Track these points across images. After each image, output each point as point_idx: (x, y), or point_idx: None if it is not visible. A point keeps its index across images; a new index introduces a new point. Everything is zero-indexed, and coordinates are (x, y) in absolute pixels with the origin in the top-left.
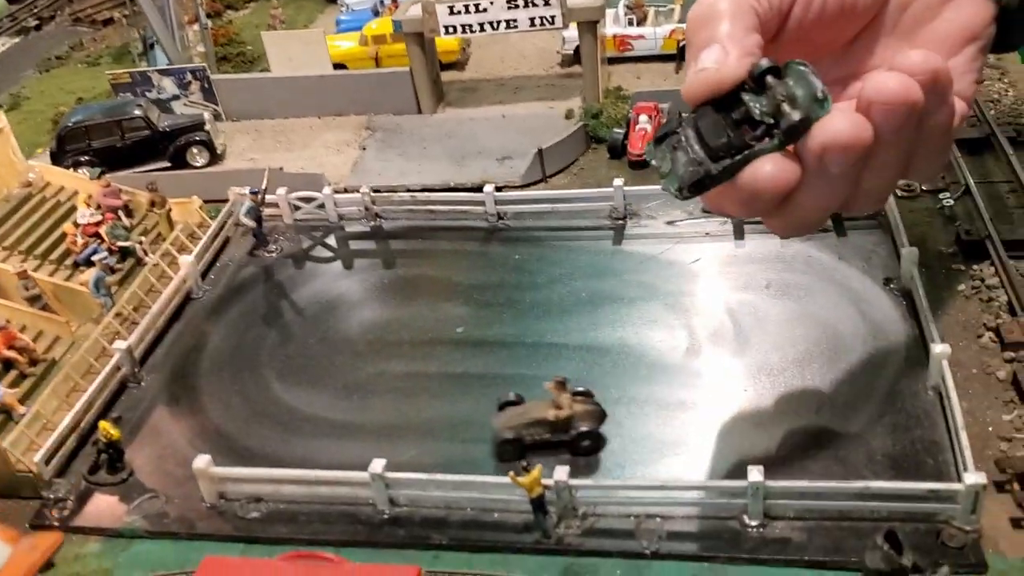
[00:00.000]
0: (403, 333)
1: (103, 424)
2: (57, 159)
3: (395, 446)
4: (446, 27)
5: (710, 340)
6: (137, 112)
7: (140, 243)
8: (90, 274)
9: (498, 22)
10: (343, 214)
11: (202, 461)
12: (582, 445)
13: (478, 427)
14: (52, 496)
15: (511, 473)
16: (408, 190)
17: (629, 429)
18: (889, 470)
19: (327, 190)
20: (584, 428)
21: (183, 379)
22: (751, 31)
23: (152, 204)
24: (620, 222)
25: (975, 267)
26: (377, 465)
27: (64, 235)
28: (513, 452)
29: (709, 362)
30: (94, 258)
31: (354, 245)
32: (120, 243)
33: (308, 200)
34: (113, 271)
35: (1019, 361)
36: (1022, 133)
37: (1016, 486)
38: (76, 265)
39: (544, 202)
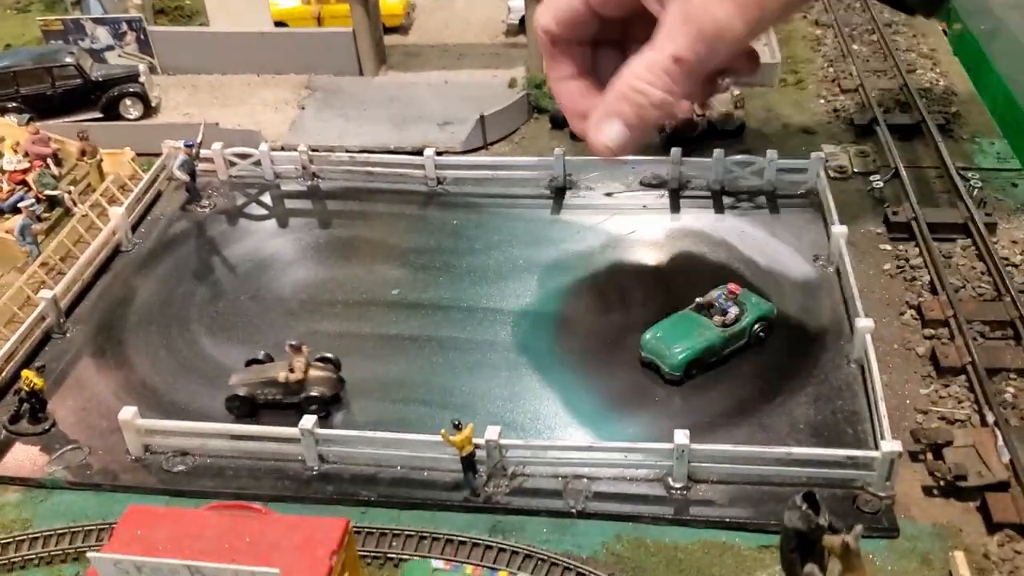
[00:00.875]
0: (337, 293)
1: (26, 373)
2: None
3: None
4: None
5: (642, 309)
6: (69, 60)
7: (69, 193)
8: (15, 221)
9: None
10: (279, 172)
11: (128, 413)
12: (311, 408)
13: (410, 388)
14: None
15: (443, 431)
16: (347, 151)
17: (560, 393)
18: (810, 438)
19: (264, 147)
20: (314, 393)
21: (110, 332)
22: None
23: (83, 153)
24: (559, 191)
25: (901, 247)
26: (308, 421)
27: None
28: (243, 408)
29: (640, 331)
30: (20, 205)
31: (290, 204)
32: (48, 192)
33: (244, 156)
34: (40, 220)
35: (938, 338)
36: (950, 121)
37: (929, 456)
38: (1, 212)
39: (484, 168)
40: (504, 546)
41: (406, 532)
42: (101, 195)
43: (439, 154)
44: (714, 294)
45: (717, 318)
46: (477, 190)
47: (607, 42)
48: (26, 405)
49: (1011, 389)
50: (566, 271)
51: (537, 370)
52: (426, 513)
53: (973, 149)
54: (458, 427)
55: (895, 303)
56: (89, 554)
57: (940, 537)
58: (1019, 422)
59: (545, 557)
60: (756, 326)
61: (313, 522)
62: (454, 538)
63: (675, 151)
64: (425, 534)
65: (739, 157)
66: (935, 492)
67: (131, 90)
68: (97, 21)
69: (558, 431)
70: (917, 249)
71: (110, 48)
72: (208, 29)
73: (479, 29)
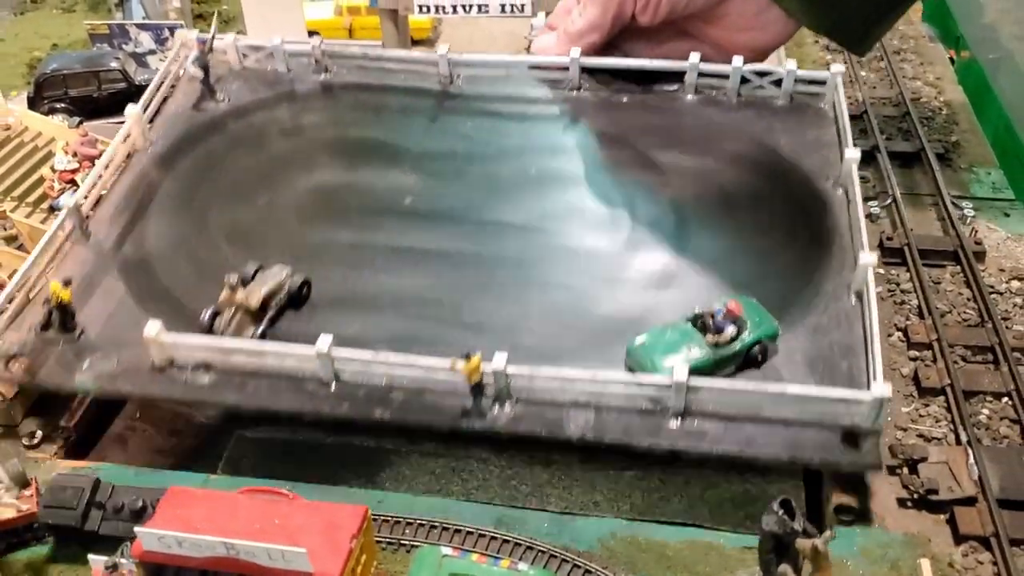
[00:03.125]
0: (351, 199)
1: (54, 285)
2: (34, 104)
3: (341, 318)
4: (420, 6)
5: (649, 229)
6: (115, 64)
7: None
8: None
9: (470, 6)
10: (292, 66)
11: (153, 328)
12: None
13: (422, 304)
14: (3, 351)
15: (452, 361)
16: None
17: (566, 313)
18: (805, 370)
19: (276, 40)
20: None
21: (131, 237)
22: (594, 31)
23: (128, 156)
24: (575, 94)
25: (893, 271)
26: (323, 343)
27: (42, 179)
28: None
29: (647, 252)
30: None
31: (303, 101)
32: None
33: (257, 49)
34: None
35: (921, 360)
36: (949, 150)
37: (905, 470)
38: (52, 209)
39: (499, 67)
40: (507, 537)
41: (418, 521)
42: None
43: None
44: (714, 307)
45: (710, 336)
46: (492, 91)
47: None
48: (55, 314)
49: (986, 411)
50: (577, 183)
51: (544, 289)
52: (437, 502)
53: (970, 178)
54: (467, 357)
55: (884, 325)
56: (136, 528)
57: (910, 546)
58: (991, 442)
59: (544, 549)
60: (755, 348)
61: (335, 508)
62: (462, 528)
63: (694, 55)
64: (436, 523)
65: (758, 66)
66: (908, 504)
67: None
68: (141, 26)
69: (563, 353)
70: (908, 274)
71: (152, 52)
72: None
73: (502, 44)
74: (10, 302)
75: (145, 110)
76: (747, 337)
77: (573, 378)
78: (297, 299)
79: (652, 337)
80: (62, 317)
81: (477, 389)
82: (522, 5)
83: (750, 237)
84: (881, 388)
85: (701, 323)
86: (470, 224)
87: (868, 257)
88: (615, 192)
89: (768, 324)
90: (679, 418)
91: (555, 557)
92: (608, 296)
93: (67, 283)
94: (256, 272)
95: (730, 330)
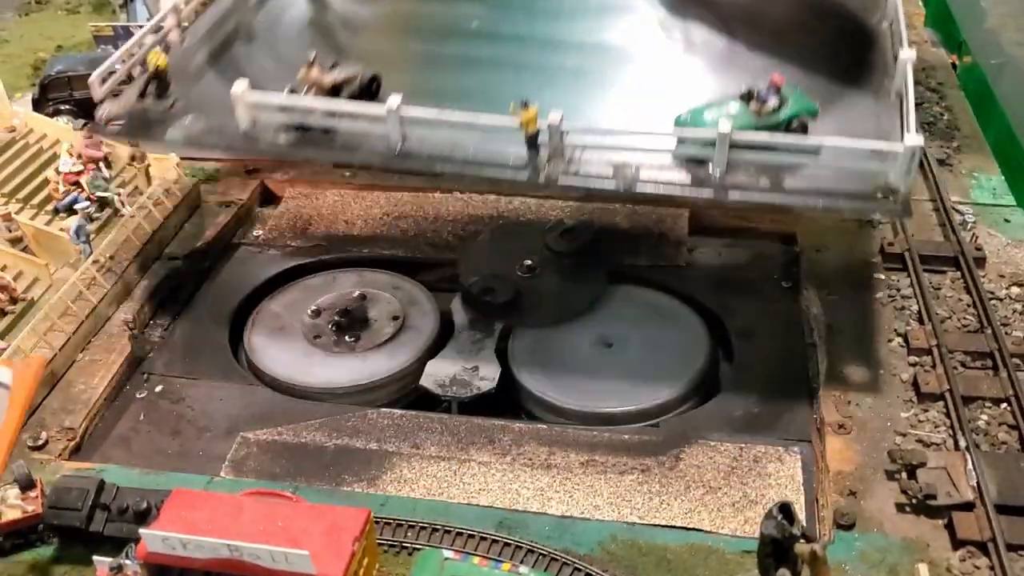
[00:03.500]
0: (422, 22)
1: (153, 53)
2: (38, 106)
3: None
4: None
5: (702, 48)
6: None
7: (118, 195)
8: (72, 221)
9: None
10: None
11: (240, 86)
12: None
13: (486, 98)
14: (105, 114)
15: (512, 105)
16: None
17: (619, 107)
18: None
19: None
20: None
21: (220, 47)
22: None
23: (132, 158)
24: None
25: (893, 277)
26: (393, 101)
27: (47, 181)
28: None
29: (698, 66)
30: (77, 207)
31: None
32: (99, 193)
33: None
34: (92, 220)
35: (921, 365)
36: (950, 155)
37: (904, 475)
38: (56, 211)
39: None
40: (509, 541)
41: (420, 524)
42: (148, 198)
43: None
44: (759, 84)
45: (754, 104)
46: None
47: None
48: (152, 83)
49: (985, 416)
50: (637, 9)
51: (601, 88)
52: (439, 505)
53: (971, 184)
54: (525, 105)
55: (884, 330)
56: (140, 530)
57: (908, 551)
58: (989, 447)
59: (545, 553)
60: (794, 122)
61: (338, 510)
62: (464, 531)
63: None
64: (437, 526)
65: None
66: (907, 509)
67: None
68: None
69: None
70: (909, 280)
71: None
72: None
73: None
74: (111, 75)
75: None
76: (788, 111)
77: (623, 132)
78: (368, 92)
79: (697, 110)
80: (158, 86)
81: (532, 144)
82: None
83: (799, 59)
84: (914, 138)
85: (746, 96)
86: (533, 41)
87: (907, 53)
88: (670, 19)
89: (808, 103)
90: (721, 171)
91: (556, 560)
92: (660, 98)
93: (166, 50)
94: (333, 65)
95: (773, 101)
